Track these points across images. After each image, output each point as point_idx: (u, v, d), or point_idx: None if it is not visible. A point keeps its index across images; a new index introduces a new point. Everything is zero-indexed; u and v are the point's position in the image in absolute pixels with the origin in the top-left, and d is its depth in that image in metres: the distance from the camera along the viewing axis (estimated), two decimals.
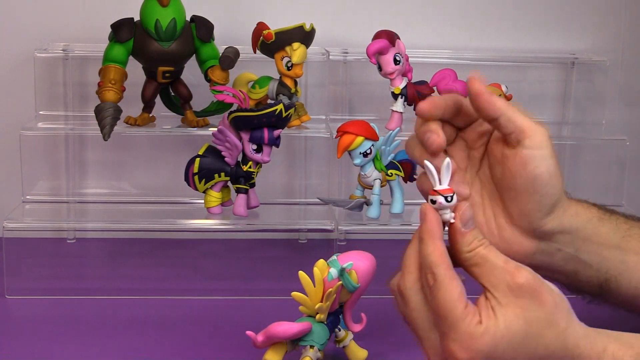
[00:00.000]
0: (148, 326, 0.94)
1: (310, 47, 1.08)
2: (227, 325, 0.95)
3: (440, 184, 0.65)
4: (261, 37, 1.06)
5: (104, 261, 1.14)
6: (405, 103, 1.08)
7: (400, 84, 1.07)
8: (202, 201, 1.04)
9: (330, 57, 1.16)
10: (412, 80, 1.09)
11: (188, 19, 1.07)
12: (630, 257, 0.77)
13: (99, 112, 1.02)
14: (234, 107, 1.02)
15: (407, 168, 1.05)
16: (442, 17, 1.23)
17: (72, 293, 1.02)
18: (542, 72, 1.25)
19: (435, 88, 1.10)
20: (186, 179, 1.02)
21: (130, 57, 1.06)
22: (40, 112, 1.16)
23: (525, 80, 1.24)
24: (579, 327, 0.67)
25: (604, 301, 0.80)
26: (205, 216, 1.04)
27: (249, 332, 0.79)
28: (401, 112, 1.08)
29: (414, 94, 1.08)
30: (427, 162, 0.65)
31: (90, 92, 1.12)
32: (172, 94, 1.11)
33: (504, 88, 1.12)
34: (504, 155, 0.72)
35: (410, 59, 1.09)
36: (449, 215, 0.65)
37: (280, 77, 1.08)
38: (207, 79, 1.08)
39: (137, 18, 1.05)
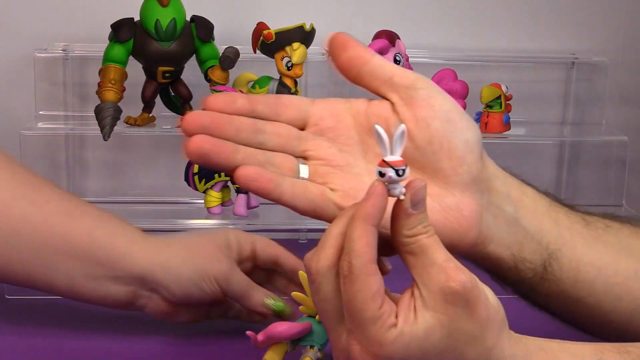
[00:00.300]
0: (148, 326, 0.94)
1: (310, 47, 1.08)
2: (227, 325, 0.95)
3: (391, 153, 0.56)
4: (261, 37, 1.06)
5: None
6: None
7: None
8: (202, 201, 1.04)
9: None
10: None
11: (188, 19, 1.07)
12: (564, 231, 0.69)
13: (99, 112, 1.03)
14: None
15: None
16: (442, 17, 1.23)
17: None
18: (542, 72, 1.25)
19: None
20: (186, 179, 1.02)
21: (130, 57, 1.06)
22: (40, 112, 1.16)
23: (525, 80, 1.24)
24: (508, 345, 0.59)
25: (544, 297, 0.71)
26: (205, 216, 1.04)
27: (249, 332, 0.79)
28: None
29: None
30: (377, 127, 0.56)
31: (90, 92, 1.12)
32: (172, 94, 1.11)
33: (504, 88, 1.12)
34: (403, 115, 0.63)
35: (410, 59, 1.09)
36: (398, 190, 0.56)
37: (280, 77, 1.08)
38: (207, 79, 1.08)
39: (137, 18, 1.05)
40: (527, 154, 1.26)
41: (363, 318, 0.56)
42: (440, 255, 0.57)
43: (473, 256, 0.66)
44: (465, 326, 0.57)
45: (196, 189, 1.02)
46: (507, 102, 1.12)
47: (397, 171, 0.55)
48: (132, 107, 1.08)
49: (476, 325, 0.57)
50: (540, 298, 0.71)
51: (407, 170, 0.56)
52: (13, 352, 0.88)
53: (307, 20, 1.06)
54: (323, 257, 0.58)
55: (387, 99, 0.64)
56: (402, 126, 0.56)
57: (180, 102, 1.10)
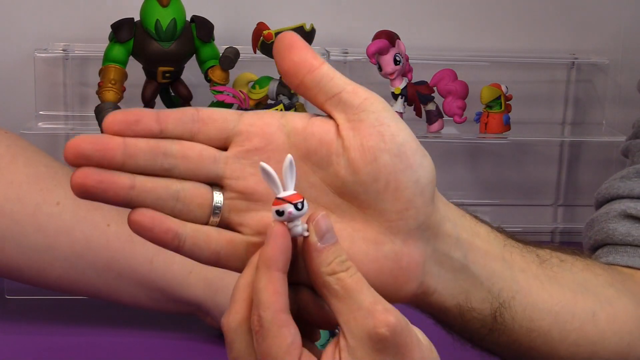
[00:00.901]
0: (148, 326, 0.94)
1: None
2: None
3: (284, 189, 0.50)
4: (261, 37, 1.06)
5: None
6: (405, 103, 1.08)
7: (400, 84, 1.08)
8: None
9: (331, 57, 1.16)
10: (412, 81, 1.09)
11: (188, 19, 1.07)
12: (518, 274, 0.62)
13: (99, 112, 1.03)
14: (234, 108, 1.02)
15: None
16: (442, 17, 1.23)
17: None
18: (542, 72, 1.25)
19: (435, 88, 1.10)
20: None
21: (130, 57, 1.06)
22: (40, 112, 1.16)
23: (525, 80, 1.24)
24: None
25: (494, 345, 0.64)
26: None
27: None
28: (401, 113, 1.08)
29: (414, 94, 1.08)
30: (263, 164, 0.50)
31: (90, 92, 1.11)
32: (172, 94, 1.11)
33: (504, 88, 1.12)
34: (348, 141, 0.53)
35: (410, 59, 1.09)
36: (301, 227, 0.50)
37: (280, 77, 1.08)
38: (207, 79, 1.08)
39: (137, 18, 1.05)
40: (527, 154, 1.26)
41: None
42: (367, 298, 0.50)
43: (413, 305, 0.59)
44: None
45: None
46: (507, 102, 1.12)
47: (295, 205, 0.50)
48: (132, 107, 1.07)
49: None
50: (490, 346, 0.65)
51: (306, 204, 0.50)
52: (13, 352, 0.88)
53: (307, 20, 1.06)
54: (233, 312, 0.51)
55: (332, 119, 0.54)
56: (289, 157, 0.50)
57: (180, 103, 1.10)
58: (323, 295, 0.52)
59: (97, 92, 1.04)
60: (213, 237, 0.53)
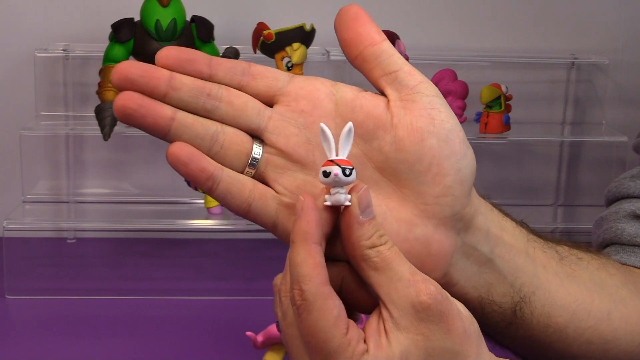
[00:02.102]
0: (148, 326, 0.94)
1: (310, 47, 1.08)
2: (227, 325, 0.95)
3: (336, 154, 0.49)
4: (261, 37, 1.06)
5: (104, 261, 1.14)
6: None
7: None
8: (202, 201, 1.04)
9: (330, 57, 1.16)
10: None
11: (188, 19, 1.07)
12: (539, 270, 0.62)
13: (99, 112, 1.03)
14: None
15: None
16: (442, 17, 1.23)
17: (72, 293, 1.02)
18: (542, 72, 1.25)
19: None
20: (186, 180, 1.02)
21: (131, 57, 1.06)
22: (41, 112, 1.16)
23: (525, 80, 1.24)
24: (489, 358, 0.54)
25: (509, 339, 0.65)
26: (205, 216, 1.04)
27: (248, 333, 0.79)
28: None
29: None
30: (322, 125, 0.50)
31: (90, 92, 1.12)
32: None
33: (504, 88, 1.12)
34: (398, 118, 0.53)
35: (410, 59, 1.09)
36: (344, 196, 0.49)
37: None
38: None
39: (137, 18, 1.05)
40: (527, 154, 1.26)
41: (329, 350, 0.49)
42: (406, 268, 0.50)
43: None
44: (444, 343, 0.50)
45: (196, 189, 1.02)
46: (507, 102, 1.12)
47: (343, 170, 0.48)
48: None
49: (454, 341, 0.51)
50: (506, 340, 0.65)
51: (355, 173, 0.49)
52: (13, 352, 0.88)
53: (307, 20, 1.06)
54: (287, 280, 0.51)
55: (385, 95, 0.54)
56: (350, 124, 0.50)
57: None
58: (361, 269, 0.51)
59: (97, 92, 1.04)
60: (247, 186, 0.52)
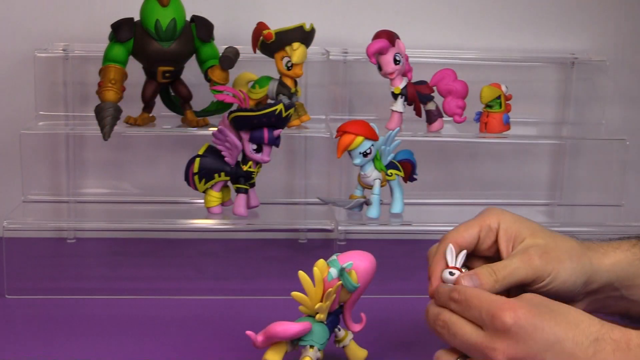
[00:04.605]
0: (148, 326, 0.94)
1: (310, 47, 1.08)
2: (227, 325, 0.95)
3: (450, 263, 0.79)
4: (261, 37, 1.06)
5: (104, 261, 1.14)
6: (405, 103, 1.08)
7: (400, 84, 1.08)
8: (202, 201, 1.04)
9: (330, 57, 1.16)
10: (412, 80, 1.09)
11: (188, 18, 1.07)
12: None
13: (99, 112, 1.03)
14: (234, 107, 1.02)
15: (407, 168, 1.05)
16: (442, 17, 1.23)
17: (72, 293, 1.02)
18: (542, 72, 1.25)
19: (435, 88, 1.10)
20: (186, 179, 1.02)
21: (130, 57, 1.06)
22: (41, 112, 1.16)
23: (525, 80, 1.24)
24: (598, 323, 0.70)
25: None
26: (205, 216, 1.04)
27: (248, 332, 0.79)
28: (401, 112, 1.08)
29: (414, 93, 1.08)
30: (450, 245, 0.79)
31: (90, 92, 1.12)
32: (172, 93, 1.11)
33: (504, 88, 1.12)
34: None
35: (410, 59, 1.09)
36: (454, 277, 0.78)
37: (280, 77, 1.08)
38: (207, 79, 1.08)
39: (137, 18, 1.05)
40: (527, 154, 1.26)
41: (489, 305, 0.70)
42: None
43: None
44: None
45: (196, 189, 1.02)
46: (507, 102, 1.12)
47: (450, 272, 0.78)
48: (132, 107, 1.08)
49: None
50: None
51: (457, 274, 0.78)
52: (13, 352, 0.88)
53: (307, 20, 1.06)
54: None
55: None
56: (464, 251, 0.79)
57: (180, 102, 1.10)
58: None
59: (97, 92, 1.04)
60: None
